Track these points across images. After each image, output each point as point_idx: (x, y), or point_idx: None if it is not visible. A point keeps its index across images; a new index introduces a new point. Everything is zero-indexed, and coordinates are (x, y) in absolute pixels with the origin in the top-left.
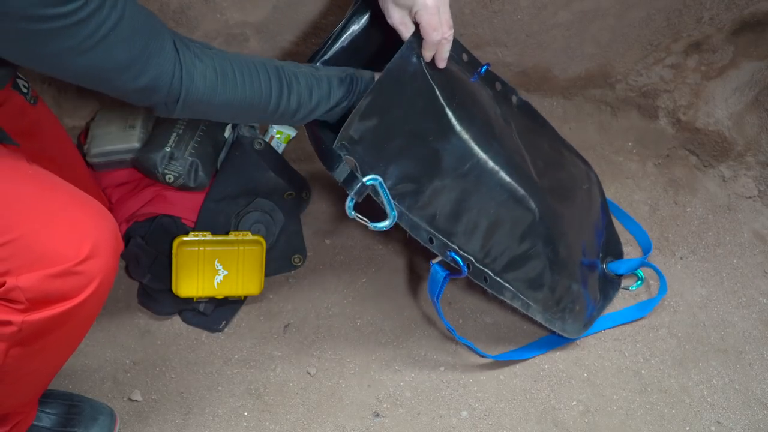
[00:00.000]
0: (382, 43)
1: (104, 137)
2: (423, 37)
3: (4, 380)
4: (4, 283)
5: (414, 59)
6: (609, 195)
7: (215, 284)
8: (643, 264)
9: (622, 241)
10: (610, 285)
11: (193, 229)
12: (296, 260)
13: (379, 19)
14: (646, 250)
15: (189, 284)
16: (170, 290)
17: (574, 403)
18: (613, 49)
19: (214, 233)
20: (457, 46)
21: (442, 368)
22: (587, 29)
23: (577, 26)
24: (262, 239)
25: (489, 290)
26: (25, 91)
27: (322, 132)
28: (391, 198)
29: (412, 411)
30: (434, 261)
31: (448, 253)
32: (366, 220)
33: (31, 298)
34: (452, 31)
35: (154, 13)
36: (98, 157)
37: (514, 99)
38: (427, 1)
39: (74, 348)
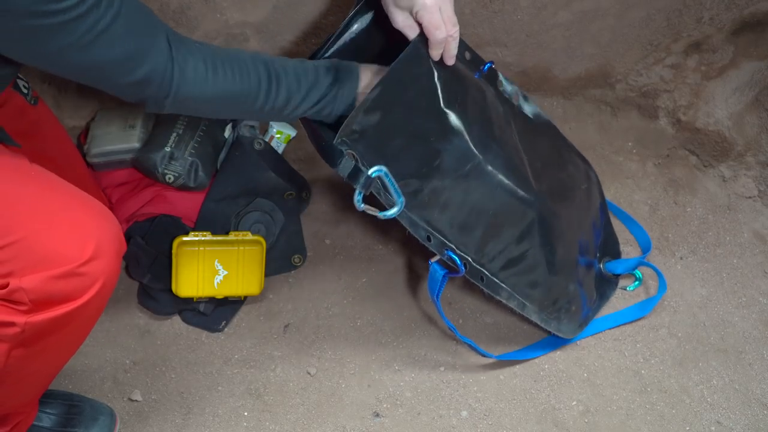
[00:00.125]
0: (386, 44)
1: (104, 137)
2: (427, 37)
3: (6, 381)
4: (7, 285)
5: (420, 59)
6: (609, 195)
7: (215, 284)
8: (641, 263)
9: (622, 241)
10: (607, 285)
11: (193, 229)
12: (296, 260)
13: (382, 21)
14: (645, 250)
15: (189, 284)
16: (170, 290)
17: (574, 403)
18: (613, 49)
19: (214, 233)
20: (460, 45)
21: (442, 368)
22: (587, 29)
23: (577, 26)
24: (262, 239)
25: (485, 290)
26: (25, 91)
27: (322, 130)
28: (396, 185)
29: (412, 411)
30: (433, 260)
31: (446, 252)
32: (375, 210)
33: (34, 300)
34: (457, 28)
35: (149, 9)
36: (98, 157)
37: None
38: (426, 1)
39: (76, 349)
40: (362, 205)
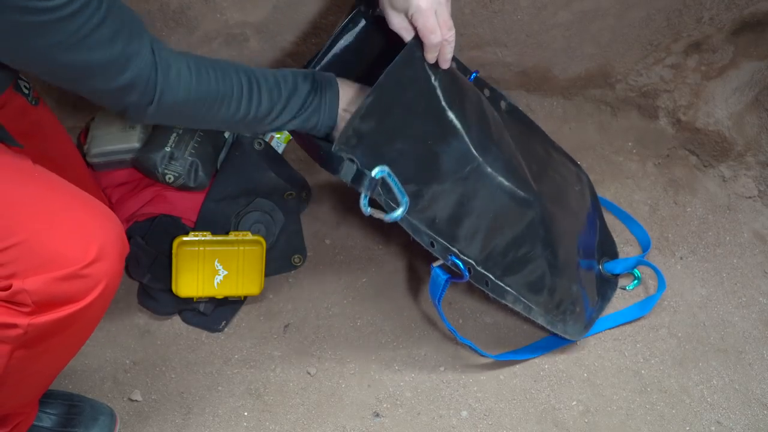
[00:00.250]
0: (385, 46)
1: (104, 137)
2: (422, 40)
3: (8, 382)
4: (10, 286)
5: (415, 62)
6: (609, 195)
7: (215, 284)
8: (640, 263)
9: (623, 240)
10: (607, 285)
11: (193, 229)
12: (296, 260)
13: (381, 23)
14: (646, 249)
15: (189, 284)
16: (170, 290)
17: (574, 403)
18: (613, 49)
19: (214, 233)
20: None
21: (442, 368)
22: (587, 29)
23: (577, 26)
24: (262, 239)
25: (491, 294)
26: (26, 92)
27: (317, 141)
28: (400, 185)
29: (412, 411)
30: (435, 264)
31: (450, 257)
32: (381, 212)
33: (37, 301)
34: (453, 32)
35: (136, 15)
36: (98, 157)
37: (503, 104)
38: (422, 4)
39: (77, 350)
40: (369, 209)
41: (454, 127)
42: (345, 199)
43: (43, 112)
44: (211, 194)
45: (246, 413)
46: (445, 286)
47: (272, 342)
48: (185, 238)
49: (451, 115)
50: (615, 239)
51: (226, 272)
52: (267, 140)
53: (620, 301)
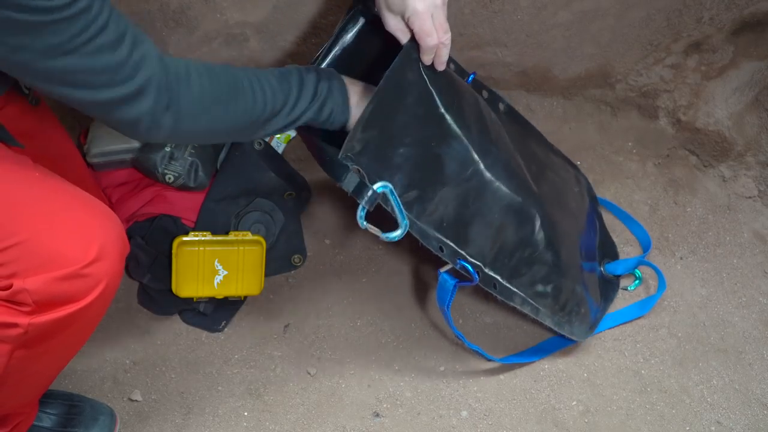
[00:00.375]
0: (384, 46)
1: (104, 137)
2: (419, 43)
3: (8, 382)
4: (11, 286)
5: (412, 65)
6: (609, 195)
7: (215, 284)
8: (641, 263)
9: (623, 241)
10: (609, 286)
11: (193, 229)
12: (296, 260)
13: (380, 22)
14: (646, 249)
15: (189, 284)
16: (170, 290)
17: (574, 403)
18: (613, 49)
19: (214, 233)
20: None
21: (442, 368)
22: (587, 29)
23: (577, 26)
24: (262, 239)
25: (498, 297)
26: (26, 92)
27: (324, 146)
28: (402, 206)
29: (412, 411)
30: (442, 270)
31: (459, 260)
32: (377, 230)
33: (37, 301)
34: (449, 35)
35: (137, 25)
36: (98, 157)
37: (501, 106)
38: (418, 7)
39: (77, 350)
40: (365, 223)
41: (453, 128)
42: (345, 199)
43: (44, 112)
44: (211, 194)
45: (246, 413)
46: (453, 291)
47: (272, 342)
48: (185, 238)
49: (448, 117)
50: (615, 239)
51: (226, 272)
52: (267, 140)
53: (620, 301)
